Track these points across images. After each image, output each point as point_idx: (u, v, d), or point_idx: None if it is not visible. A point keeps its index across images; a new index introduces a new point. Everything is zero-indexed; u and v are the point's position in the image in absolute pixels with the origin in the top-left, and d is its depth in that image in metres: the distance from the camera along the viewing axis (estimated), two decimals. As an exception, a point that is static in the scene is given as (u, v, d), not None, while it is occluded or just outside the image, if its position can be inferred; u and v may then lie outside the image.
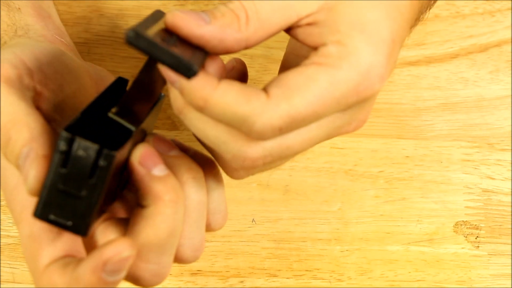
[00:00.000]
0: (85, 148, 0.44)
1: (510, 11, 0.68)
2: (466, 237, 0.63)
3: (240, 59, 0.53)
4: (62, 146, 0.44)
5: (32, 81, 0.51)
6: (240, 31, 0.46)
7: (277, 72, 0.66)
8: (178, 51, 0.45)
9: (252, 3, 0.47)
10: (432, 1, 0.55)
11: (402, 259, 0.62)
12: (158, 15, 0.48)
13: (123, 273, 0.45)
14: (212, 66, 0.47)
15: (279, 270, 0.62)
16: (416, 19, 0.52)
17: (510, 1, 0.68)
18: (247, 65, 0.66)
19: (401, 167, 0.64)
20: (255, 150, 0.47)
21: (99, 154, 0.44)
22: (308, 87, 0.45)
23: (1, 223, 0.62)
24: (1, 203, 0.63)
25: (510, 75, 0.67)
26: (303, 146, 0.48)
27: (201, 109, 0.46)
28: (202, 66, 0.46)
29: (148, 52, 0.44)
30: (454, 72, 0.67)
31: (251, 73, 0.66)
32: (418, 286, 0.62)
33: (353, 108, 0.47)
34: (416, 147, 0.64)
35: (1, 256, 0.62)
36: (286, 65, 0.54)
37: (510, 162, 0.64)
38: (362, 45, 0.46)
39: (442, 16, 0.68)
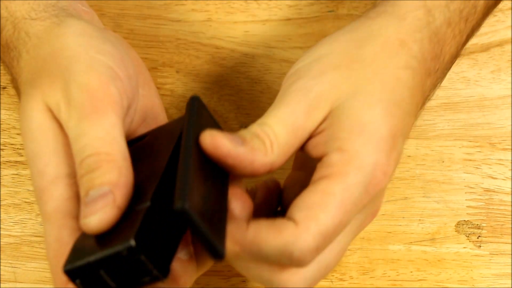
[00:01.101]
0: (141, 264, 0.45)
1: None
2: (468, 236, 0.63)
3: (274, 180, 0.54)
4: (124, 252, 0.45)
5: (127, 99, 0.51)
6: (266, 155, 0.48)
7: (278, 71, 0.66)
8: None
9: (271, 129, 0.49)
10: (439, 81, 0.56)
11: (404, 258, 0.62)
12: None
13: None
14: (240, 206, 0.48)
15: (281, 269, 0.62)
16: (423, 103, 0.54)
17: (506, 3, 0.68)
18: (248, 65, 0.67)
19: (403, 166, 0.64)
20: (298, 281, 0.49)
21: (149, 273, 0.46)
22: (327, 202, 0.47)
23: (2, 223, 0.62)
24: (1, 203, 0.63)
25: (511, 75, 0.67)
26: (337, 259, 0.50)
27: (239, 254, 0.47)
28: (226, 196, 0.48)
29: (190, 226, 0.44)
30: (455, 71, 0.67)
31: (252, 73, 0.67)
32: (420, 286, 0.62)
33: (366, 205, 0.49)
34: (417, 147, 0.65)
35: (3, 256, 0.62)
36: (295, 179, 0.54)
37: (512, 161, 0.65)
38: (362, 147, 0.48)
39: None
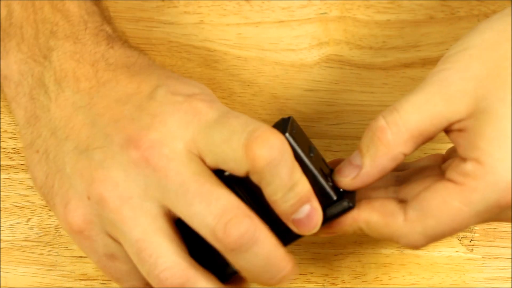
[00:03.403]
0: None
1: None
2: (461, 240, 0.63)
3: None
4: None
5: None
6: (389, 144, 0.50)
7: (271, 74, 0.66)
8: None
9: (399, 115, 0.50)
10: None
11: (396, 262, 0.62)
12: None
13: None
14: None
15: (273, 273, 0.62)
16: None
17: (506, 3, 0.68)
18: (241, 68, 0.67)
19: (396, 170, 0.64)
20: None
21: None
22: (441, 211, 0.49)
23: (-6, 227, 0.62)
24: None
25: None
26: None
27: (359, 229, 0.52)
28: None
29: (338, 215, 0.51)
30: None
31: (245, 75, 0.66)
32: (412, 290, 0.62)
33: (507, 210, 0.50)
34: (410, 150, 0.64)
35: (-6, 260, 0.62)
36: None
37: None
38: (500, 162, 0.48)
39: (437, 17, 0.68)
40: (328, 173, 0.52)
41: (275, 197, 0.49)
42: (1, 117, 0.64)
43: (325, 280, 0.61)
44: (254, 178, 0.49)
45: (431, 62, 0.67)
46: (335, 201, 0.51)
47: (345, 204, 0.51)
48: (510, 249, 0.62)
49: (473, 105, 0.49)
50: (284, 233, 0.50)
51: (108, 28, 0.57)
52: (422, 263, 0.62)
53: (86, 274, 0.61)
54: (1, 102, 0.64)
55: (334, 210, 0.51)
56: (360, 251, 0.62)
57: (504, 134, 0.48)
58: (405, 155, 0.51)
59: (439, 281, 0.62)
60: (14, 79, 0.56)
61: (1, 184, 0.63)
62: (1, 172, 0.63)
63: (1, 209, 0.62)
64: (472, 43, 0.50)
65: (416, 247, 0.51)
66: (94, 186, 0.50)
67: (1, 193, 0.63)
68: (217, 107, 0.51)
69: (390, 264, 0.62)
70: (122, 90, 0.52)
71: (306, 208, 0.49)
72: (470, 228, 0.63)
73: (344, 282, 0.62)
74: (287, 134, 0.49)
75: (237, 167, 0.49)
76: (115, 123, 0.51)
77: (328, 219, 0.51)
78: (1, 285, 0.61)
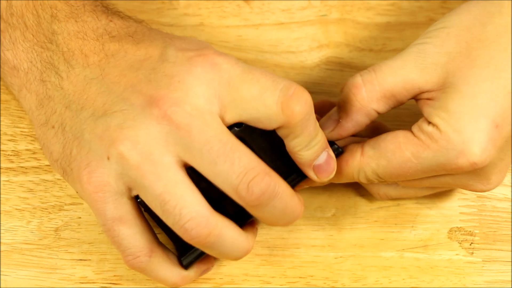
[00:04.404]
0: None
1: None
2: (461, 243, 0.63)
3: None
4: None
5: None
6: (364, 98, 0.56)
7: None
8: None
9: (380, 75, 0.55)
10: None
11: (397, 265, 0.62)
12: None
13: None
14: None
15: (273, 277, 0.62)
16: None
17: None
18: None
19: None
20: None
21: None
22: (394, 154, 0.55)
23: (-7, 229, 0.62)
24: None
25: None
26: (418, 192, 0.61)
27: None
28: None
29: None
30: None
31: (245, 78, 0.66)
32: (412, 293, 0.62)
33: (468, 174, 0.54)
34: (410, 153, 0.64)
35: (-6, 262, 0.61)
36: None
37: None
38: (456, 134, 0.52)
39: (436, 19, 0.68)
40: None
41: (300, 147, 0.53)
42: (1, 120, 0.64)
43: (325, 283, 0.61)
44: (283, 132, 0.53)
45: (431, 65, 0.67)
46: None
47: (335, 146, 0.57)
48: (510, 252, 0.62)
49: (443, 78, 0.54)
50: (293, 174, 0.56)
51: (103, 3, 0.58)
52: (422, 266, 0.62)
53: (86, 277, 0.61)
54: (1, 105, 0.64)
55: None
56: (360, 254, 0.62)
57: (463, 111, 0.52)
58: (378, 113, 0.56)
59: (439, 284, 0.62)
60: (24, 67, 0.57)
61: (1, 186, 0.63)
62: (0, 174, 0.63)
63: (1, 212, 0.62)
64: (451, 23, 0.55)
65: (370, 189, 0.60)
66: (114, 146, 0.51)
67: (1, 195, 0.63)
68: (235, 62, 0.52)
69: (390, 267, 0.62)
70: (132, 57, 0.53)
71: (324, 155, 0.55)
72: (470, 231, 0.63)
73: (344, 285, 0.61)
74: None
75: (269, 122, 0.52)
76: (132, 87, 0.52)
77: None
78: (1, 287, 0.61)
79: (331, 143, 0.57)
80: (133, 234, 0.53)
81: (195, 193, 0.51)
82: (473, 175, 0.55)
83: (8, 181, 0.63)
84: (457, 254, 0.62)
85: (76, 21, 0.56)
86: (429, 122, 0.54)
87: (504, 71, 0.53)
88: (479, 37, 0.54)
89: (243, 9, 0.68)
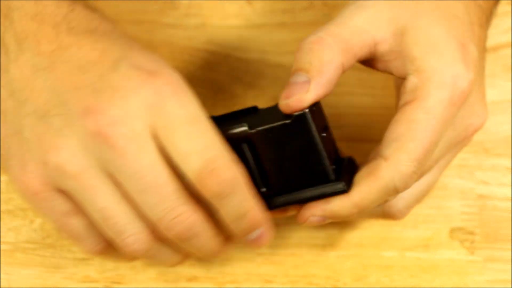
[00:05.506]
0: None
1: (506, 15, 0.68)
2: (462, 242, 0.63)
3: None
4: None
5: None
6: (331, 59, 0.51)
7: (273, 76, 0.66)
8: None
9: (334, 29, 0.52)
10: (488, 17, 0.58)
11: (398, 264, 0.62)
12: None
13: None
14: None
15: (275, 275, 0.62)
16: (483, 16, 0.56)
17: (506, 6, 0.68)
18: (243, 70, 0.67)
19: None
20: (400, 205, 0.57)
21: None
22: (413, 130, 0.50)
23: (-3, 228, 0.62)
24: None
25: (506, 80, 0.67)
26: (434, 180, 0.57)
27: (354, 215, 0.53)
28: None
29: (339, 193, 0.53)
30: (450, 77, 0.67)
31: (247, 78, 0.67)
32: (414, 292, 0.62)
33: (458, 116, 0.52)
34: (412, 152, 0.64)
35: (-3, 262, 0.62)
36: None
37: (506, 167, 0.64)
38: (438, 62, 0.51)
39: (438, 20, 0.68)
40: (335, 158, 0.53)
41: (225, 221, 0.51)
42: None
43: (327, 282, 0.62)
44: None
45: (432, 65, 0.67)
46: (332, 181, 0.52)
47: (340, 186, 0.52)
48: (511, 251, 0.62)
49: (394, 25, 0.52)
50: (273, 197, 0.53)
51: None
52: (424, 266, 0.62)
53: (88, 276, 0.61)
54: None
55: (328, 189, 0.52)
56: (362, 253, 0.62)
57: (432, 40, 0.51)
58: (345, 67, 0.52)
59: (440, 283, 0.62)
60: None
61: (4, 186, 0.63)
62: (4, 174, 0.63)
63: (4, 211, 0.63)
64: None
65: (409, 181, 0.51)
66: (51, 154, 0.49)
67: (4, 195, 0.63)
68: (188, 101, 0.50)
69: (392, 266, 0.62)
70: (84, 56, 0.51)
71: (257, 232, 0.51)
72: (471, 230, 0.63)
73: (346, 284, 0.62)
74: (306, 111, 0.51)
75: (188, 178, 0.49)
76: (75, 90, 0.50)
77: (321, 196, 0.52)
78: (4, 287, 0.61)
79: (345, 178, 0.53)
80: (87, 224, 0.52)
81: (132, 211, 0.50)
82: (465, 111, 0.53)
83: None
84: (458, 254, 0.62)
85: (35, 2, 0.52)
86: (407, 77, 0.52)
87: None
88: None
89: (245, 9, 0.68)
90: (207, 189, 0.49)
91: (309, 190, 0.52)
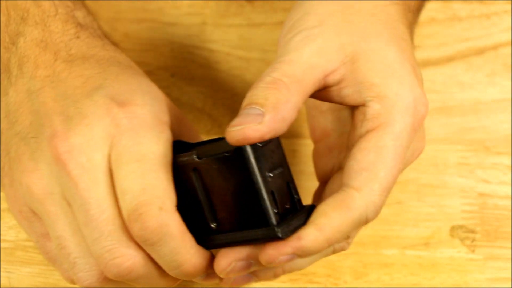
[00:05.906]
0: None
1: (506, 14, 0.68)
2: (462, 241, 0.63)
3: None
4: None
5: None
6: (288, 99, 0.47)
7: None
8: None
9: (287, 69, 0.48)
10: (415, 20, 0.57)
11: (398, 263, 0.62)
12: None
13: None
14: None
15: (275, 274, 0.62)
16: (411, 32, 0.54)
17: (506, 4, 0.68)
18: (243, 69, 0.67)
19: (397, 170, 0.64)
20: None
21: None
22: (383, 158, 0.48)
23: (-3, 227, 0.62)
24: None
25: (506, 78, 0.67)
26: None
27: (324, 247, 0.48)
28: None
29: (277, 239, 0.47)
30: (450, 75, 0.67)
31: (247, 76, 0.67)
32: (414, 290, 0.62)
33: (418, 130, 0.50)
34: (412, 151, 0.64)
35: (-2, 260, 0.62)
36: (313, 123, 0.56)
37: (506, 165, 0.64)
38: (399, 87, 0.49)
39: (438, 19, 0.68)
40: (289, 202, 0.49)
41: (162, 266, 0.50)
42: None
43: (327, 280, 0.62)
44: None
45: (432, 64, 0.67)
46: (272, 225, 0.47)
47: (274, 232, 0.47)
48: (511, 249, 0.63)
49: (342, 52, 0.49)
50: (215, 234, 0.50)
51: (78, 14, 0.55)
52: (424, 264, 0.62)
53: (89, 274, 0.61)
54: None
55: (261, 233, 0.48)
56: (362, 251, 0.62)
57: (388, 64, 0.49)
58: (298, 107, 0.48)
59: (440, 281, 0.62)
60: None
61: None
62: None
63: (4, 210, 0.63)
64: (308, 7, 0.51)
65: (379, 210, 0.49)
66: (24, 175, 0.50)
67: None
68: (137, 137, 0.49)
69: (392, 264, 0.62)
70: (71, 82, 0.51)
71: (201, 276, 0.51)
72: (472, 228, 0.63)
73: (346, 283, 0.62)
74: (247, 147, 0.47)
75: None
76: (52, 115, 0.50)
77: (253, 241, 0.48)
78: (5, 285, 0.61)
79: (290, 226, 0.48)
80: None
81: (84, 244, 0.50)
82: (417, 136, 0.51)
83: (12, 179, 0.63)
84: (458, 252, 0.62)
85: (43, 29, 0.54)
86: (366, 103, 0.49)
87: (383, 12, 0.51)
88: (347, 5, 0.50)
89: (246, 8, 0.68)
90: (133, 232, 0.48)
91: (247, 232, 0.48)
